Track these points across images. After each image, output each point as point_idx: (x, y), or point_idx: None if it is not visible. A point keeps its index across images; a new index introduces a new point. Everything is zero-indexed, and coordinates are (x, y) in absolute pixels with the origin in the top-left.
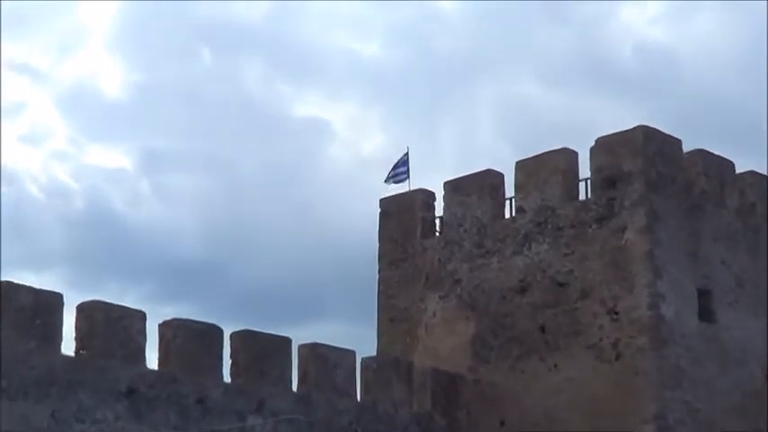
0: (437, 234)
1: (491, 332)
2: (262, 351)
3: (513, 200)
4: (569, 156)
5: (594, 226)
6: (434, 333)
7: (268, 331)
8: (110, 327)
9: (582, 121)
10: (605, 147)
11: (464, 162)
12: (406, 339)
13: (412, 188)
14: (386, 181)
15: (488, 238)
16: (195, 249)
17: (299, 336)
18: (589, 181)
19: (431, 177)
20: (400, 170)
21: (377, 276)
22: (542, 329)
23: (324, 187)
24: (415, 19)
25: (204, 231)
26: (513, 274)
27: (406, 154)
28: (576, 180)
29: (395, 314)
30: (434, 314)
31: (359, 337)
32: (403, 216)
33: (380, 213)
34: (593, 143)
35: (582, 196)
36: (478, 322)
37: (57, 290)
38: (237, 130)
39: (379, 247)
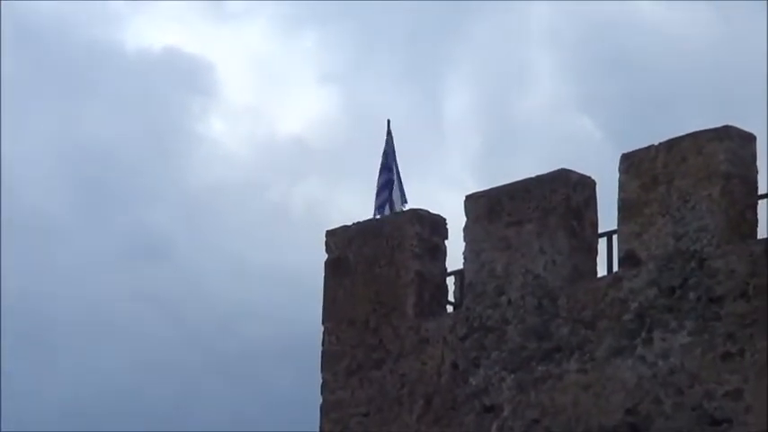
0: (450, 310)
1: None
2: None
3: (616, 237)
4: (739, 141)
5: None
6: None
7: None
8: None
9: None
10: None
11: (505, 147)
12: None
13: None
14: (376, 213)
15: (560, 321)
16: None
17: None
18: None
19: (435, 183)
20: (385, 179)
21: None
22: None
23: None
24: None
25: None
26: (614, 398)
27: (389, 142)
28: (754, 195)
29: None
30: None
31: None
32: (376, 269)
33: (327, 264)
34: None
35: (765, 230)
36: None
37: None
38: None
39: (324, 337)
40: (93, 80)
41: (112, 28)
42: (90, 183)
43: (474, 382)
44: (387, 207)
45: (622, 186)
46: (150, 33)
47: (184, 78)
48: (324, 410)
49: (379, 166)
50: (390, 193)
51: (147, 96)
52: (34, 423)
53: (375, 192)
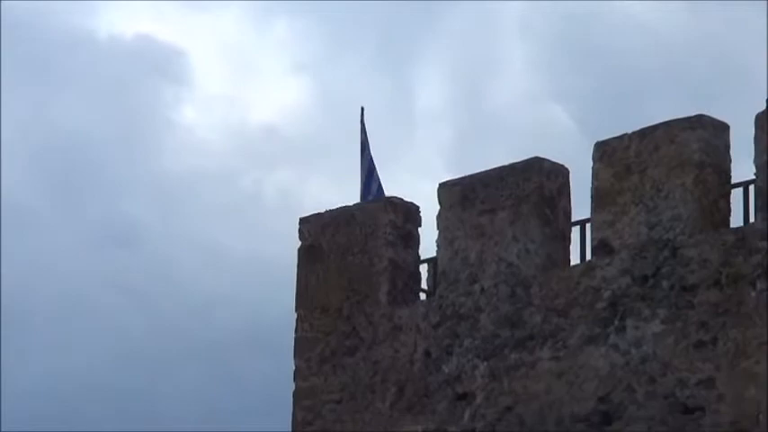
0: (423, 298)
1: None
2: None
3: (589, 226)
4: (712, 130)
5: (763, 285)
6: None
7: None
8: None
9: None
10: None
11: (478, 137)
12: None
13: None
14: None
15: (534, 309)
16: None
17: None
18: (753, 188)
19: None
20: (368, 166)
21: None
22: None
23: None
24: None
25: None
26: (586, 386)
27: (363, 130)
28: (727, 184)
29: None
30: None
31: None
32: (349, 256)
33: (301, 251)
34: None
35: (737, 219)
36: None
37: None
38: None
39: (297, 324)
40: (66, 67)
41: (85, 15)
42: (61, 170)
43: (447, 370)
44: (376, 191)
45: (596, 175)
46: (123, 21)
47: (157, 66)
48: (296, 397)
49: (358, 154)
50: (375, 179)
51: (120, 84)
52: (5, 411)
53: (360, 178)
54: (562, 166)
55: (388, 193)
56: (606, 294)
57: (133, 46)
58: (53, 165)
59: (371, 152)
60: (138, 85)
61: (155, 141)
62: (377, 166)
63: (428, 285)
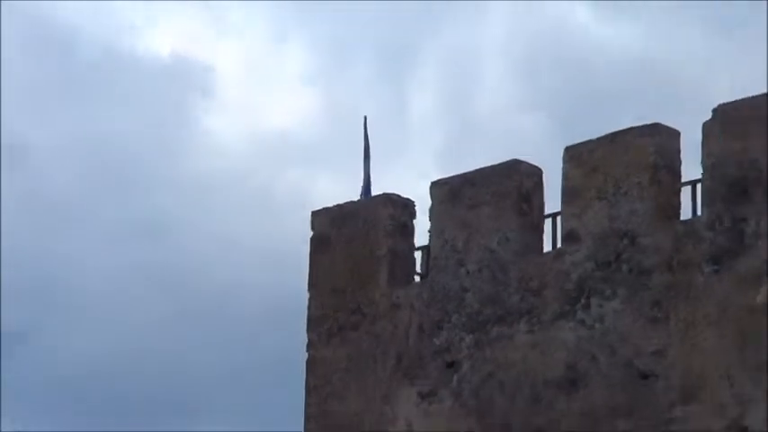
0: (417, 280)
1: None
2: None
3: (560, 218)
4: (665, 137)
5: (709, 269)
6: None
7: None
8: None
9: None
10: (732, 122)
11: (465, 142)
12: None
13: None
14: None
15: (512, 290)
16: None
17: None
18: (701, 186)
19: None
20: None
21: (303, 357)
22: None
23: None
24: None
25: None
26: (557, 355)
27: (366, 136)
28: (678, 183)
29: (335, 425)
30: (410, 426)
31: None
32: (354, 245)
33: (312, 240)
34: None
35: (687, 212)
36: None
37: None
38: None
39: (309, 303)
40: (111, 81)
41: (130, 37)
42: (105, 169)
43: (438, 342)
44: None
45: (565, 175)
46: (160, 41)
47: (188, 80)
48: (309, 366)
49: (361, 156)
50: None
51: (156, 95)
52: (57, 378)
53: (363, 179)
54: (537, 167)
55: (387, 189)
56: (574, 277)
57: (169, 63)
58: (98, 164)
59: (371, 159)
60: (172, 96)
61: (184, 145)
62: (376, 166)
63: (422, 269)
